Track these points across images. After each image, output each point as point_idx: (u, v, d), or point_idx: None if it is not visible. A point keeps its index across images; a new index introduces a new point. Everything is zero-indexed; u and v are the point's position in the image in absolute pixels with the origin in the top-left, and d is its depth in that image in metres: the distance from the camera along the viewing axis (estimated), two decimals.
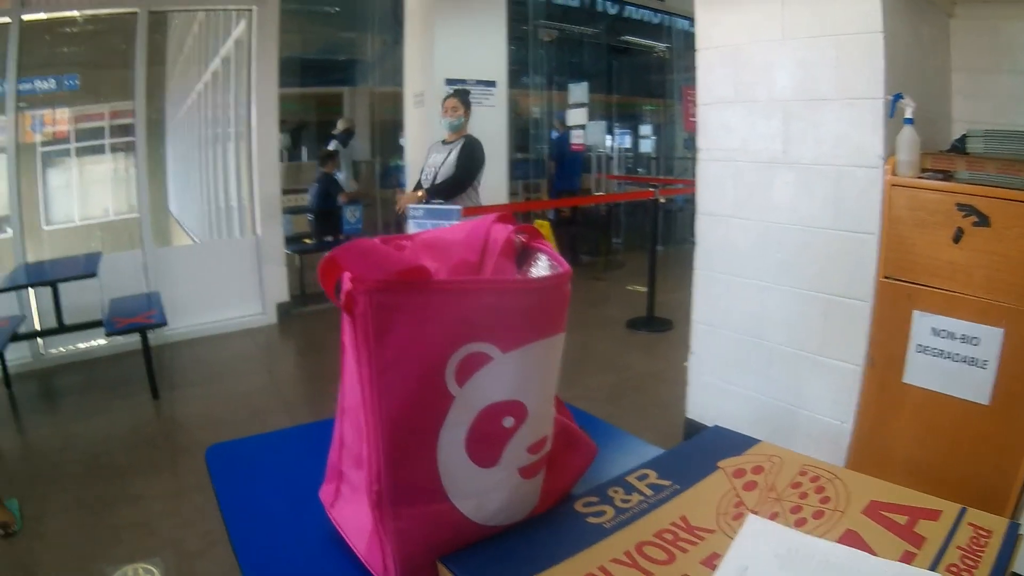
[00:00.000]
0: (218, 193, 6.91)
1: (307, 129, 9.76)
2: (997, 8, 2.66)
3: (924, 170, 2.34)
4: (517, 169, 7.68)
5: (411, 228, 3.99)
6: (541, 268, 0.71)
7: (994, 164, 2.17)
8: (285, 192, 6.10)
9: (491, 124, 6.19)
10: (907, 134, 2.32)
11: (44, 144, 6.29)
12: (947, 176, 2.28)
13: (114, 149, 6.65)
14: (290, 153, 9.31)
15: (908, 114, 2.32)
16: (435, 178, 4.29)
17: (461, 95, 4.51)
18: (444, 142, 4.45)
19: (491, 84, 6.21)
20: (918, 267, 2.31)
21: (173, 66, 8.65)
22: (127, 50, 5.18)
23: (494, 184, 6.24)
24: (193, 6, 6.07)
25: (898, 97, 2.35)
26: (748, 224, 2.86)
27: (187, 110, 8.37)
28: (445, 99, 4.45)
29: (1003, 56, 2.67)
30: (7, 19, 4.67)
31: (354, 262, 0.54)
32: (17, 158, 4.90)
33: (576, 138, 7.83)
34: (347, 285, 0.55)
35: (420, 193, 4.31)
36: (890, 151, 2.39)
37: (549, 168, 8.35)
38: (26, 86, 5.12)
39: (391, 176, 8.34)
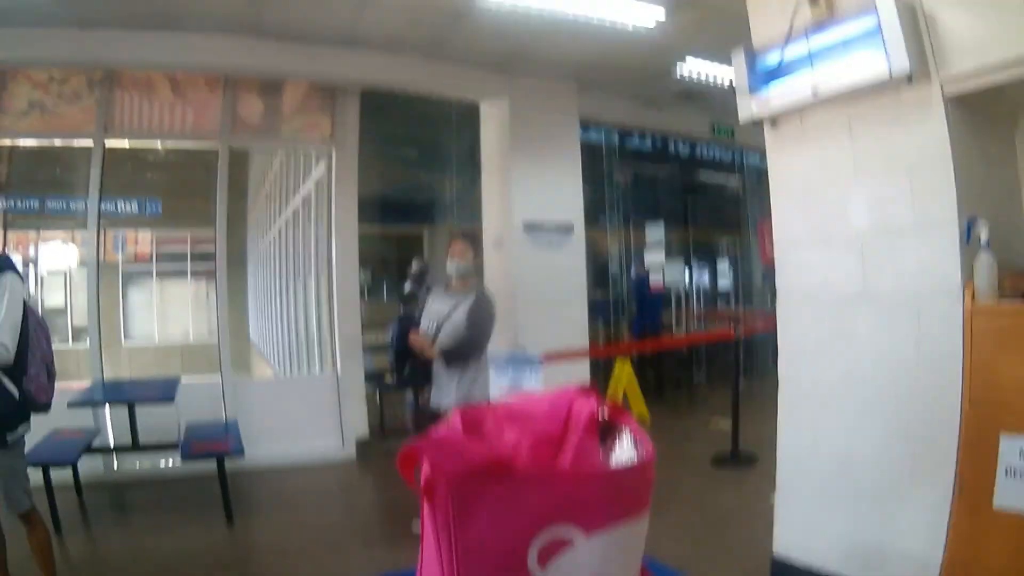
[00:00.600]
0: (299, 326, 7.10)
1: (388, 267, 10.04)
2: None
3: (1004, 291, 2.28)
4: (597, 309, 7.61)
5: (492, 375, 3.79)
6: (625, 447, 0.69)
7: None
8: (365, 329, 6.19)
9: (570, 264, 6.28)
10: (984, 259, 2.27)
11: (126, 263, 6.64)
12: None
13: (195, 274, 6.95)
14: (370, 290, 9.57)
15: (983, 237, 2.29)
16: (437, 330, 3.63)
17: (470, 238, 3.97)
18: (447, 288, 3.76)
19: (568, 229, 6.30)
20: (1004, 390, 2.22)
21: (255, 199, 9.19)
22: (209, 181, 5.49)
23: (574, 323, 6.25)
24: (273, 144, 6.42)
25: (972, 221, 2.33)
26: (831, 362, 2.80)
27: (268, 243, 8.68)
28: (451, 240, 3.81)
29: None
30: (90, 142, 5.07)
31: (433, 451, 0.55)
32: (99, 275, 5.18)
33: (655, 278, 7.83)
34: (426, 471, 0.55)
35: (431, 348, 3.62)
36: (968, 276, 2.33)
37: (630, 309, 8.37)
38: (109, 207, 5.44)
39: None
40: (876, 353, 2.64)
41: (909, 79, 2.42)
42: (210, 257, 5.73)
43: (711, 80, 6.22)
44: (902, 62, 2.39)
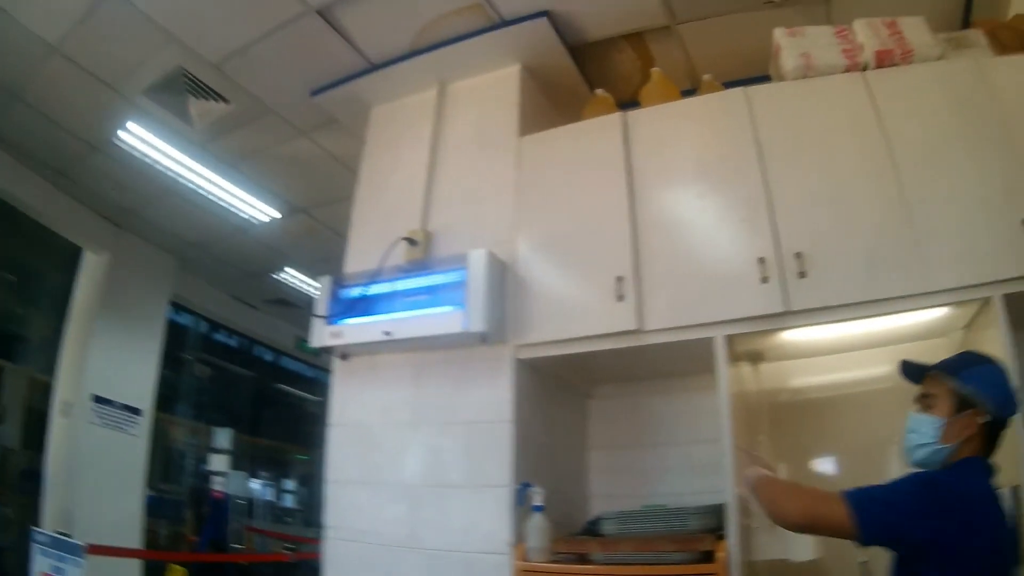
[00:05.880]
0: None
1: None
2: (637, 385, 2.94)
3: (558, 553, 2.31)
4: (163, 505, 6.84)
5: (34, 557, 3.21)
6: None
7: (629, 544, 2.21)
8: None
9: (130, 453, 5.59)
10: (536, 521, 2.30)
11: None
12: (582, 558, 2.27)
13: None
14: None
15: (537, 501, 2.32)
16: None
17: None
18: None
19: (136, 410, 5.65)
20: None
21: None
22: None
23: (130, 516, 5.46)
24: None
25: (527, 486, 2.37)
26: None
27: None
28: None
29: (642, 431, 2.89)
30: None
31: None
32: None
33: (218, 485, 7.27)
34: None
35: None
36: (520, 537, 2.34)
37: (198, 513, 7.52)
38: None
39: (30, 479, 6.77)
40: None
41: (483, 338, 2.50)
42: None
43: (306, 293, 6.30)
44: (480, 321, 2.45)
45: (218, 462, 7.37)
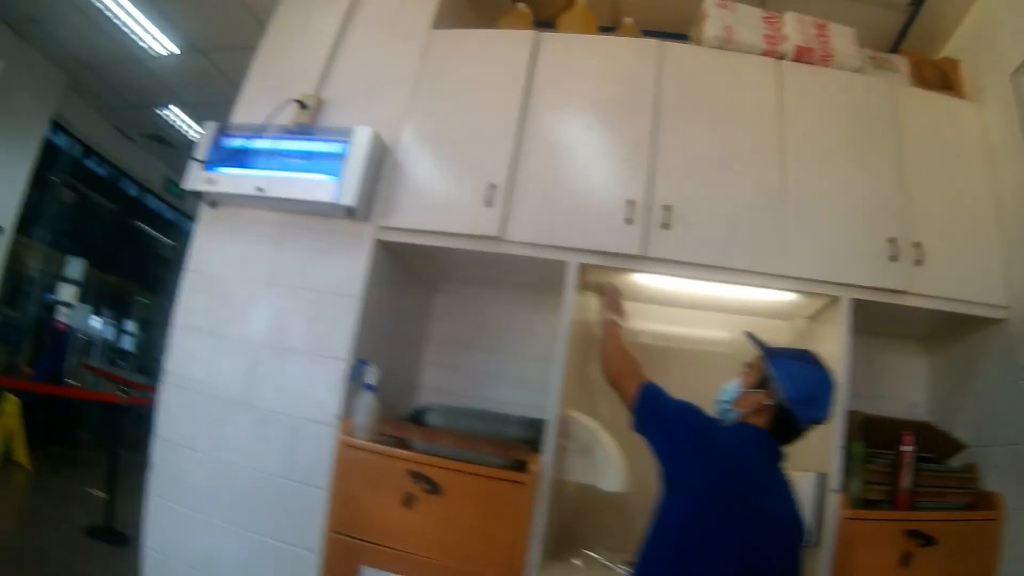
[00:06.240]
0: None
1: None
2: (482, 290, 3.04)
3: (381, 434, 2.39)
4: (3, 330, 6.76)
5: None
6: None
7: (449, 438, 2.31)
8: None
9: None
10: (365, 399, 2.38)
11: None
12: (403, 443, 2.37)
13: None
14: None
15: (370, 380, 2.40)
16: None
17: None
18: None
19: None
20: (368, 525, 2.29)
21: None
22: None
23: None
24: None
25: (363, 363, 2.44)
26: (204, 458, 2.60)
27: None
28: None
29: (477, 333, 3.01)
30: None
31: None
32: None
33: (62, 316, 7.00)
34: None
35: None
36: (348, 412, 2.41)
37: (39, 341, 7.19)
38: None
39: None
40: (249, 462, 2.53)
41: (350, 212, 2.52)
42: None
43: (186, 136, 6.11)
44: (351, 195, 2.47)
45: (66, 292, 7.08)
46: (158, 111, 5.64)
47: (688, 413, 1.77)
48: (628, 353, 2.03)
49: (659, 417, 1.79)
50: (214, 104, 2.98)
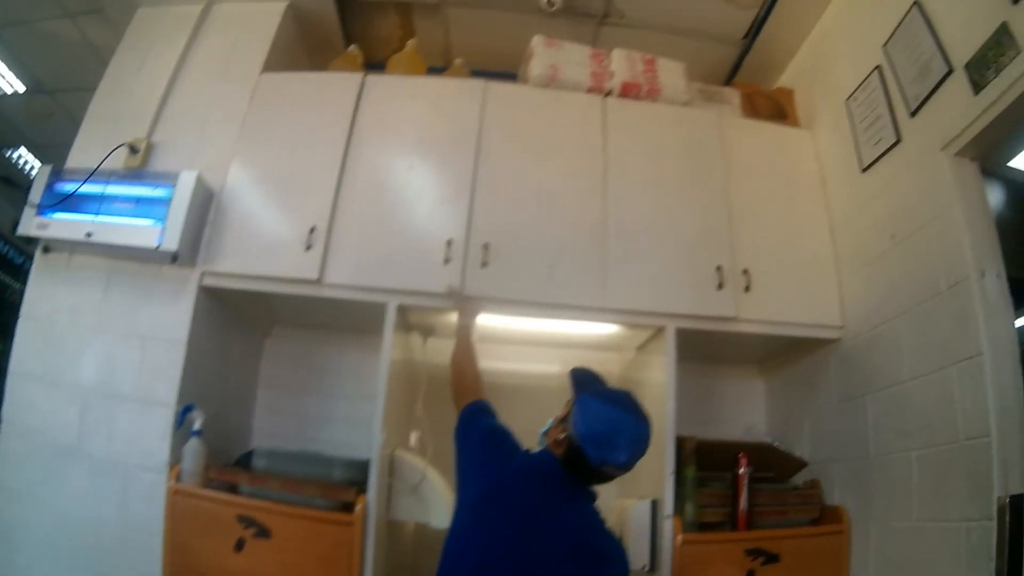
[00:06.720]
0: None
1: None
2: (312, 333, 3.04)
3: (211, 480, 2.38)
4: None
5: None
6: None
7: (276, 481, 2.31)
8: None
9: None
10: (192, 445, 2.36)
11: None
12: (232, 488, 2.35)
13: None
14: None
15: (196, 426, 2.39)
16: None
17: None
18: None
19: None
20: (203, 572, 2.26)
21: None
22: None
23: None
24: None
25: (188, 409, 2.41)
26: (44, 509, 2.54)
27: None
28: None
29: (308, 376, 3.01)
30: None
31: None
32: None
33: None
34: None
35: None
36: (177, 459, 2.39)
37: None
38: None
39: None
40: (85, 511, 2.48)
41: (174, 258, 2.51)
42: None
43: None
44: (174, 240, 2.47)
45: None
46: (5, 152, 5.39)
47: (492, 435, 1.83)
48: (476, 370, 2.12)
49: (465, 432, 1.87)
50: (63, 146, 2.94)
